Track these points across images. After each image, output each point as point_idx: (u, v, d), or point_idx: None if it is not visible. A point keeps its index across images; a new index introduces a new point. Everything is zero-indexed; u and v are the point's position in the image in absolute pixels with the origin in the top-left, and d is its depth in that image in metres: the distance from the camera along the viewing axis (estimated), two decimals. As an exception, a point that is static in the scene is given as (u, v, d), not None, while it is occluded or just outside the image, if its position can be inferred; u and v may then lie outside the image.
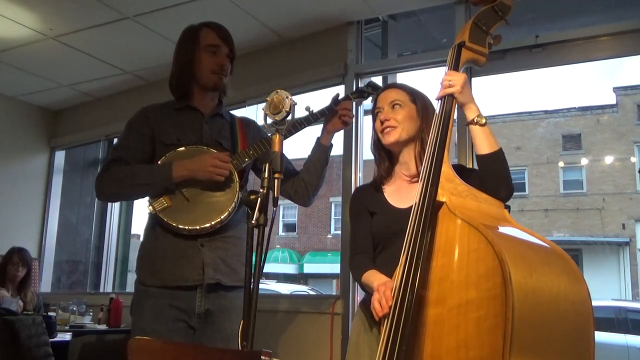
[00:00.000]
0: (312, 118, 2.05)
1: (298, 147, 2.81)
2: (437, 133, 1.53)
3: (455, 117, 1.61)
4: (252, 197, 1.31)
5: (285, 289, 10.30)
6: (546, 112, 18.78)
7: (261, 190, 1.33)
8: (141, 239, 2.08)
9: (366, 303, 1.73)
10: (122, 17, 3.34)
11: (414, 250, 1.38)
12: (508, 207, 1.49)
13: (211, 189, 1.95)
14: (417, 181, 1.70)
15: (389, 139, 1.74)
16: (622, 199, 16.77)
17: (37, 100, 4.77)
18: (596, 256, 15.92)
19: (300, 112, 2.03)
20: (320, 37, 3.46)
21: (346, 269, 3.02)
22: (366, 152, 3.25)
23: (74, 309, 3.83)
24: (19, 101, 4.74)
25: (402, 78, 3.29)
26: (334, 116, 2.09)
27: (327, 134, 2.12)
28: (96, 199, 4.72)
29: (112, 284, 4.66)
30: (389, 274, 1.51)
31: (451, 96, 1.58)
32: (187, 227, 1.91)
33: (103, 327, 3.79)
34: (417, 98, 1.78)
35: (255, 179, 2.08)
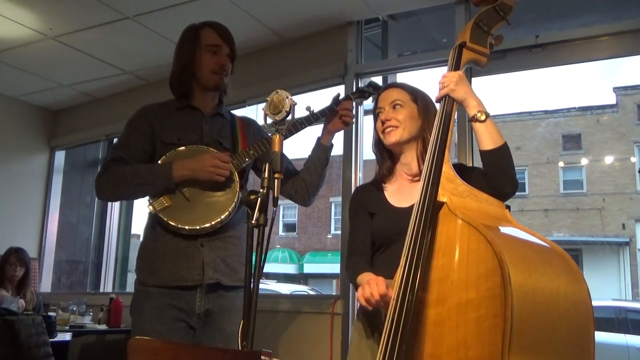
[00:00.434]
0: (312, 118, 2.05)
1: (298, 147, 2.82)
2: (438, 133, 1.53)
3: (455, 117, 1.61)
4: (252, 197, 1.31)
5: (285, 289, 10.30)
6: (546, 112, 18.78)
7: (261, 190, 1.33)
8: (141, 238, 2.08)
9: (364, 310, 1.73)
10: (122, 17, 3.34)
11: (414, 251, 1.38)
12: (508, 207, 1.48)
13: (211, 189, 1.95)
14: (419, 180, 1.70)
15: (390, 139, 1.74)
16: (622, 199, 16.77)
17: (37, 100, 4.77)
18: (596, 256, 15.92)
19: (300, 112, 2.03)
20: (320, 37, 3.46)
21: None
22: (366, 152, 3.25)
23: (74, 309, 3.83)
24: (19, 101, 4.74)
25: (402, 78, 3.29)
26: (335, 116, 2.09)
27: (328, 134, 2.12)
28: (96, 198, 4.74)
29: (112, 284, 4.66)
30: (390, 273, 1.51)
31: (450, 97, 1.58)
32: (187, 227, 1.91)
33: (103, 327, 3.79)
34: (418, 97, 1.77)
35: (255, 179, 2.08)
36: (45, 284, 4.73)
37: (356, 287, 1.68)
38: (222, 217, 1.92)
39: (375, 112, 1.82)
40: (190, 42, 2.07)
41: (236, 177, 1.97)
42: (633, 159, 17.11)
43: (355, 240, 1.78)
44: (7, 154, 4.66)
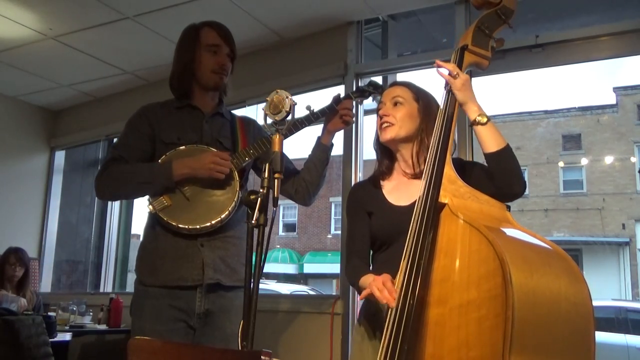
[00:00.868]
0: (312, 117, 2.04)
1: (298, 147, 2.81)
2: (440, 134, 1.53)
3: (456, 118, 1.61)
4: (252, 197, 1.31)
5: (285, 289, 10.30)
6: (546, 112, 18.78)
7: (261, 190, 1.33)
8: (141, 238, 2.07)
9: (365, 314, 1.73)
10: (122, 17, 3.34)
11: (415, 252, 1.38)
12: (508, 207, 1.49)
13: (211, 188, 1.95)
14: (417, 178, 1.70)
15: (385, 136, 1.75)
16: (622, 199, 16.77)
17: (37, 100, 4.76)
18: (596, 256, 15.92)
19: (301, 112, 2.03)
20: (320, 37, 3.46)
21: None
22: (366, 152, 3.25)
23: (74, 309, 3.82)
24: (19, 101, 4.74)
25: (402, 78, 3.29)
26: (335, 115, 2.09)
27: (328, 133, 2.12)
28: (96, 198, 4.73)
29: (112, 284, 4.65)
30: (391, 272, 1.50)
31: (454, 98, 1.58)
32: (187, 227, 1.91)
33: (103, 327, 3.79)
34: (420, 97, 1.77)
35: (255, 179, 2.08)
36: (45, 284, 4.73)
37: (358, 290, 1.68)
38: (222, 216, 1.92)
39: (377, 107, 1.82)
40: (190, 42, 2.07)
41: (236, 177, 1.97)
42: (633, 159, 17.11)
43: (354, 242, 1.77)
44: (7, 154, 4.65)
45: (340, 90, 3.17)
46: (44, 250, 4.78)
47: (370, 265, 1.75)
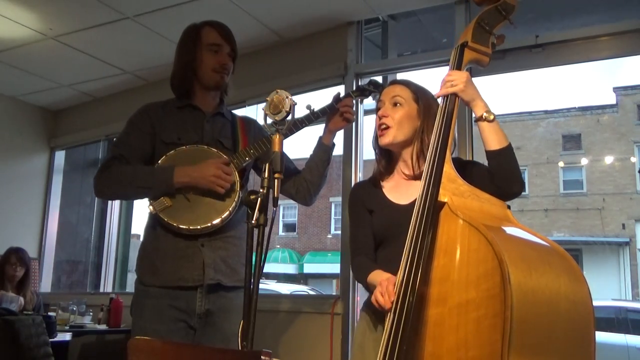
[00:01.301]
0: (313, 117, 2.04)
1: (299, 146, 2.81)
2: (439, 133, 1.53)
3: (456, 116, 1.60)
4: (252, 197, 1.31)
5: (285, 289, 10.30)
6: (546, 112, 18.78)
7: (261, 190, 1.33)
8: (141, 238, 2.07)
9: (370, 304, 1.73)
10: (122, 17, 3.34)
11: (415, 251, 1.38)
12: (508, 207, 1.49)
13: (212, 189, 1.95)
14: (415, 179, 1.70)
15: (384, 140, 1.74)
16: (622, 199, 16.77)
17: (37, 100, 4.76)
18: (596, 256, 15.92)
19: (301, 111, 2.03)
20: (320, 37, 3.46)
21: (346, 269, 3.02)
22: (366, 152, 3.25)
23: (74, 309, 3.82)
24: (19, 101, 4.74)
25: (402, 78, 3.29)
26: (336, 114, 2.09)
27: (329, 132, 2.12)
28: (96, 198, 4.74)
29: (112, 284, 4.65)
30: (392, 270, 1.51)
31: (454, 95, 1.58)
32: (187, 227, 1.91)
33: (103, 327, 3.79)
34: (420, 98, 1.75)
35: (256, 179, 2.08)
36: (45, 284, 4.73)
37: (366, 286, 1.68)
38: (223, 216, 1.92)
39: (376, 106, 1.82)
40: (191, 42, 2.06)
41: (237, 177, 1.97)
42: (633, 159, 17.11)
43: (357, 239, 1.77)
44: (7, 154, 4.65)
45: (340, 90, 3.17)
46: (44, 250, 4.78)
47: (375, 262, 1.74)
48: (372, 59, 3.44)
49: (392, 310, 1.39)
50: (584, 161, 17.63)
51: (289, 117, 1.38)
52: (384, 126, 1.73)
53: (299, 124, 2.02)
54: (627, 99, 17.55)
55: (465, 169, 1.63)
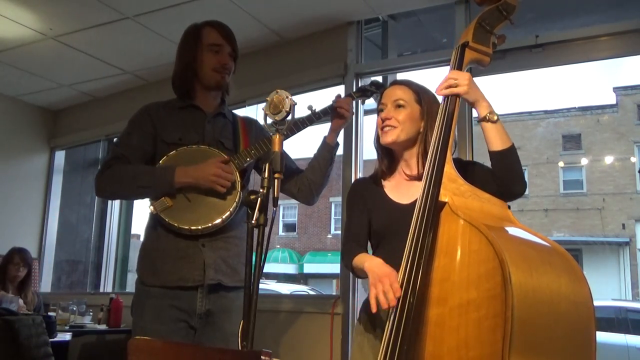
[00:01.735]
0: (314, 117, 2.05)
1: (301, 146, 2.82)
2: (440, 133, 1.53)
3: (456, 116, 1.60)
4: (252, 197, 1.31)
5: (286, 289, 10.30)
6: (546, 112, 18.78)
7: (261, 190, 1.33)
8: (142, 238, 2.07)
9: (366, 308, 1.73)
10: (122, 17, 3.34)
11: (415, 251, 1.38)
12: (508, 207, 1.49)
13: (213, 189, 1.95)
14: (416, 180, 1.70)
15: (387, 138, 1.73)
16: (622, 199, 16.77)
17: (37, 100, 4.76)
18: (596, 256, 15.92)
19: (302, 112, 2.03)
20: (320, 37, 3.46)
21: (346, 269, 3.02)
22: (366, 152, 3.25)
23: (74, 309, 3.82)
24: (19, 101, 4.74)
25: (402, 78, 3.28)
26: (335, 114, 2.10)
27: (332, 132, 2.12)
28: (96, 198, 4.74)
29: (112, 284, 4.65)
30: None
31: (455, 96, 1.57)
32: (188, 227, 1.90)
33: (103, 327, 3.79)
34: (422, 99, 1.75)
35: (257, 179, 2.08)
36: (45, 284, 4.73)
37: (353, 272, 1.69)
38: (224, 217, 1.92)
39: (378, 107, 1.81)
40: (192, 42, 2.07)
41: (237, 177, 1.97)
42: (633, 159, 17.11)
43: (350, 228, 1.78)
44: (7, 154, 4.65)
45: (340, 90, 3.18)
46: (44, 250, 4.78)
47: (366, 250, 1.74)
48: (372, 59, 3.44)
49: (393, 310, 1.39)
50: (584, 161, 17.63)
51: (289, 117, 1.38)
52: (387, 128, 1.73)
53: (300, 125, 2.02)
54: (627, 99, 17.55)
55: (467, 169, 1.63)
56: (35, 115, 4.87)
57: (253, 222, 1.30)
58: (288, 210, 19.83)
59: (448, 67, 1.66)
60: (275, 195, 1.33)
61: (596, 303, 1.30)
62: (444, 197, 1.42)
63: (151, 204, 1.93)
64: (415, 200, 1.49)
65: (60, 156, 4.98)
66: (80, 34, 3.56)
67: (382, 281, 1.44)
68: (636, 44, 2.63)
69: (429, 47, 3.56)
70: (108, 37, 3.60)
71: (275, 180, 1.33)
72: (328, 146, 2.12)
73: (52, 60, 3.95)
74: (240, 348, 1.24)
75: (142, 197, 2.02)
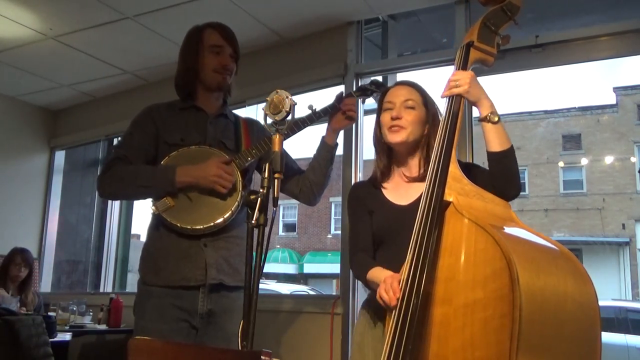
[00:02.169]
0: (314, 117, 2.05)
1: (301, 146, 2.81)
2: (445, 133, 1.52)
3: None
4: (252, 197, 1.31)
5: (286, 289, 10.30)
6: (546, 112, 18.78)
7: (261, 190, 1.33)
8: (144, 238, 2.07)
9: (369, 302, 1.73)
10: (122, 17, 3.33)
11: (420, 250, 1.38)
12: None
13: (214, 189, 1.95)
14: (415, 181, 1.70)
15: (396, 138, 1.72)
16: (622, 199, 16.77)
17: (37, 100, 4.76)
18: (596, 256, 15.91)
19: (302, 112, 2.03)
20: (320, 37, 3.46)
21: (346, 269, 3.02)
22: (366, 152, 3.24)
23: (74, 309, 3.82)
24: (19, 101, 4.74)
25: (402, 78, 3.28)
26: (338, 113, 2.09)
27: (332, 132, 2.12)
28: (96, 198, 4.74)
29: (112, 284, 4.65)
30: (392, 271, 1.50)
31: (459, 96, 1.57)
32: (190, 227, 1.91)
33: (103, 327, 3.79)
34: (428, 102, 1.76)
35: (258, 179, 2.08)
36: (45, 284, 4.72)
37: (365, 283, 1.67)
38: (225, 216, 1.92)
39: (381, 105, 1.80)
40: (194, 43, 2.07)
41: (239, 177, 1.97)
42: (633, 159, 17.11)
43: (357, 238, 1.77)
44: (7, 154, 4.65)
45: (340, 90, 3.17)
46: (44, 250, 4.78)
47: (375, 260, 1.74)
48: (372, 59, 3.44)
49: (397, 310, 1.39)
50: (584, 161, 17.63)
51: (289, 117, 1.38)
52: (396, 127, 1.72)
53: (300, 124, 2.02)
54: (627, 99, 17.55)
55: (470, 170, 1.63)
56: (35, 115, 4.86)
57: (253, 222, 1.30)
58: (288, 210, 19.83)
59: (448, 67, 1.66)
60: (275, 195, 1.33)
61: (597, 303, 1.30)
62: (448, 196, 1.42)
63: (153, 204, 1.93)
64: (415, 201, 1.49)
65: (60, 156, 4.98)
66: (80, 34, 3.56)
67: (385, 281, 1.46)
68: (636, 44, 2.63)
69: (429, 47, 3.56)
70: (108, 37, 3.60)
71: (275, 180, 1.33)
72: (328, 146, 2.12)
73: (52, 60, 3.95)
74: (240, 348, 1.24)
75: (143, 196, 2.02)
